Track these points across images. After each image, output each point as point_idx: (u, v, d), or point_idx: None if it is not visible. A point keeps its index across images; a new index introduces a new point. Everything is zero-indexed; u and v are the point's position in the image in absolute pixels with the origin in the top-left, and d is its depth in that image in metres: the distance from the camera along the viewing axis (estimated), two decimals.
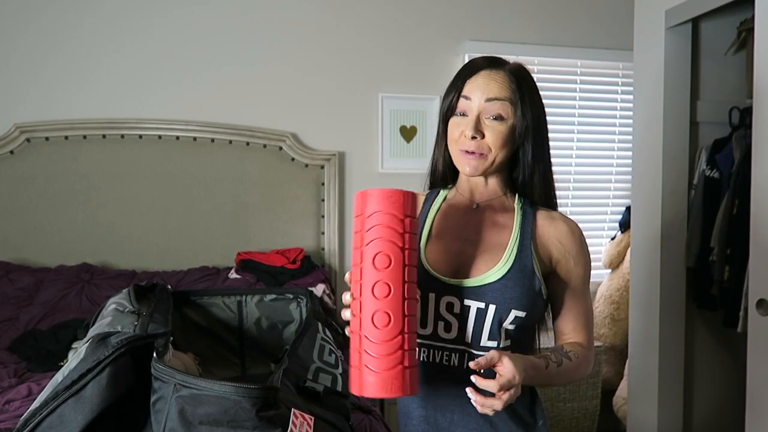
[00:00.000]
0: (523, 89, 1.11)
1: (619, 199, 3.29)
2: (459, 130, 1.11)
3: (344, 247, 3.00)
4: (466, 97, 1.11)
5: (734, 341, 2.37)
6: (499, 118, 1.09)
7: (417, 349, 1.04)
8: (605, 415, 2.98)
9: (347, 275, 1.00)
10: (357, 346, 0.94)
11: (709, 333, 2.43)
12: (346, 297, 0.99)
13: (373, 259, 0.93)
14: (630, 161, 2.72)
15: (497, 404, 0.95)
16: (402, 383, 0.92)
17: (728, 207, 2.21)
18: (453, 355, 1.08)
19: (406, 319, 0.94)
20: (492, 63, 1.13)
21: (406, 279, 0.94)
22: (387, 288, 0.93)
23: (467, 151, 1.10)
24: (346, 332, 0.99)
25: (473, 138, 1.09)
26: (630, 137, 2.81)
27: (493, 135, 1.09)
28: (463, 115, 1.12)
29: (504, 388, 0.95)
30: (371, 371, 0.92)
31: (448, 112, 1.14)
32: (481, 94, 1.10)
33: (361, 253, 0.95)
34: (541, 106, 1.15)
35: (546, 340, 1.22)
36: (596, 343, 2.95)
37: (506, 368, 0.96)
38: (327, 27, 2.96)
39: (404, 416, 1.17)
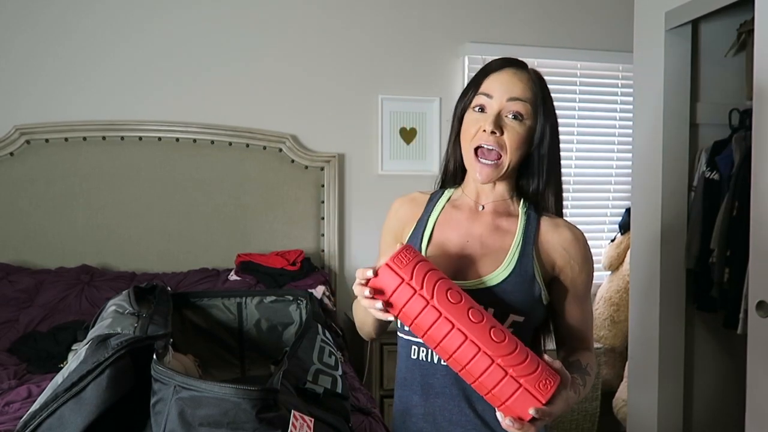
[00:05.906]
0: (544, 95, 1.11)
1: (618, 200, 3.29)
2: (477, 126, 1.08)
3: (344, 248, 3.00)
4: (487, 94, 1.09)
5: (734, 343, 2.37)
6: (519, 116, 1.07)
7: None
8: (605, 417, 2.98)
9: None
10: (499, 376, 0.93)
11: (709, 335, 2.43)
12: (368, 273, 0.96)
13: (447, 295, 0.94)
14: (630, 163, 2.72)
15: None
16: (549, 367, 0.94)
17: (728, 209, 2.21)
18: None
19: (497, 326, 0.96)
20: (516, 63, 1.12)
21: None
22: (478, 313, 0.95)
23: (482, 156, 1.08)
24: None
25: (492, 133, 1.06)
26: (630, 139, 2.80)
27: (512, 135, 1.07)
28: (482, 110, 1.09)
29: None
30: (527, 377, 0.92)
31: (465, 108, 1.11)
32: (504, 92, 1.08)
33: (429, 307, 0.94)
34: (556, 116, 1.14)
35: (547, 343, 1.22)
36: (596, 345, 2.95)
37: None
38: (327, 28, 2.97)
39: (403, 414, 1.16)
